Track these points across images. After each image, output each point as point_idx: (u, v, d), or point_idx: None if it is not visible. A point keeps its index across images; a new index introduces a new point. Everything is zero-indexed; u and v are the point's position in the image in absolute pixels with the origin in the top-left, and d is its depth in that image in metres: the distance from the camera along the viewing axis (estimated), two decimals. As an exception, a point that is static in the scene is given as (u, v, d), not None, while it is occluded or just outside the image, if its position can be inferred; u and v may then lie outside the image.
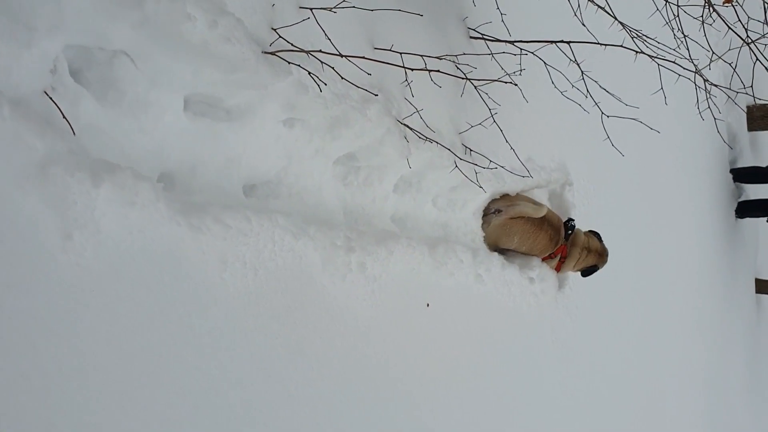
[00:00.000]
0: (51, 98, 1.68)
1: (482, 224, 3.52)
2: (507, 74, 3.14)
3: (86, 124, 1.81)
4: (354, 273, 2.46)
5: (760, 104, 7.75)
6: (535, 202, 3.54)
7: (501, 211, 3.46)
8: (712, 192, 7.22)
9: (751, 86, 2.71)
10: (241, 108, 2.27)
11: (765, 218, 7.80)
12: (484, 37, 3.24)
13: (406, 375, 2.73)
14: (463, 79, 2.81)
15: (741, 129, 7.90)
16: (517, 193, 3.73)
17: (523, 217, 3.43)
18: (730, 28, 2.69)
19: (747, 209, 7.77)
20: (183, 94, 2.12)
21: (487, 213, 3.52)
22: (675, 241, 6.17)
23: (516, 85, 2.99)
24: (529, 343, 3.73)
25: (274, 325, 2.14)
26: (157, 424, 1.73)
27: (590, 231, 3.93)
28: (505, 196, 3.64)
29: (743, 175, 7.71)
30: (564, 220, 3.71)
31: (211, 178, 2.23)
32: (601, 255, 3.87)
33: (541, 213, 3.41)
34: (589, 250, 3.80)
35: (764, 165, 7.66)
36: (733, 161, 7.88)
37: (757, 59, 2.70)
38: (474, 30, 3.29)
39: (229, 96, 2.21)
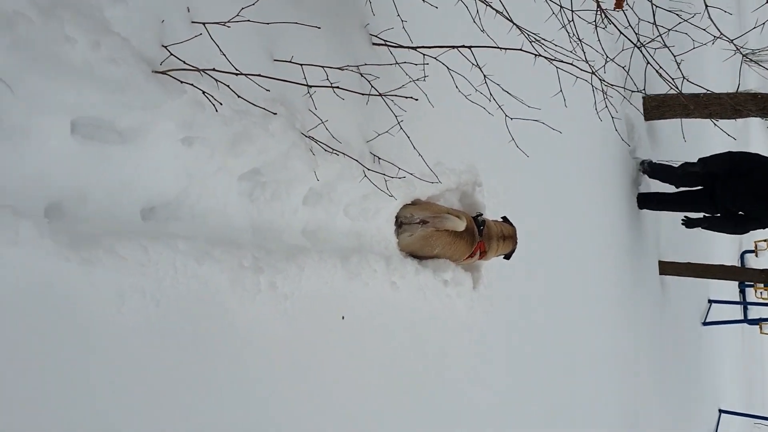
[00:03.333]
0: None
1: (400, 233, 3.49)
2: (412, 80, 3.13)
3: (-44, 157, 1.67)
4: (264, 293, 2.39)
5: (654, 94, 8.13)
6: (456, 213, 3.54)
7: (427, 222, 3.44)
8: (617, 184, 7.57)
9: (644, 89, 2.83)
10: (134, 129, 2.15)
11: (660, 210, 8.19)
12: (387, 43, 3.22)
13: (325, 391, 2.68)
14: (362, 94, 2.78)
15: (638, 119, 8.28)
16: (428, 198, 3.75)
17: (447, 229, 3.42)
18: (621, 32, 2.79)
19: (644, 201, 8.18)
20: (69, 117, 1.98)
21: (409, 222, 3.49)
22: (584, 232, 6.40)
23: (418, 97, 2.97)
24: (447, 344, 3.76)
25: (181, 354, 2.05)
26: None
27: (501, 218, 4.01)
28: (417, 201, 3.64)
29: (658, 171, 7.98)
30: (473, 216, 3.74)
31: (104, 204, 2.10)
32: (513, 237, 3.97)
33: (464, 226, 3.42)
34: (504, 237, 3.88)
35: (675, 165, 7.93)
36: (632, 151, 8.23)
37: (648, 62, 2.82)
38: (376, 36, 3.27)
39: (120, 117, 2.09)
